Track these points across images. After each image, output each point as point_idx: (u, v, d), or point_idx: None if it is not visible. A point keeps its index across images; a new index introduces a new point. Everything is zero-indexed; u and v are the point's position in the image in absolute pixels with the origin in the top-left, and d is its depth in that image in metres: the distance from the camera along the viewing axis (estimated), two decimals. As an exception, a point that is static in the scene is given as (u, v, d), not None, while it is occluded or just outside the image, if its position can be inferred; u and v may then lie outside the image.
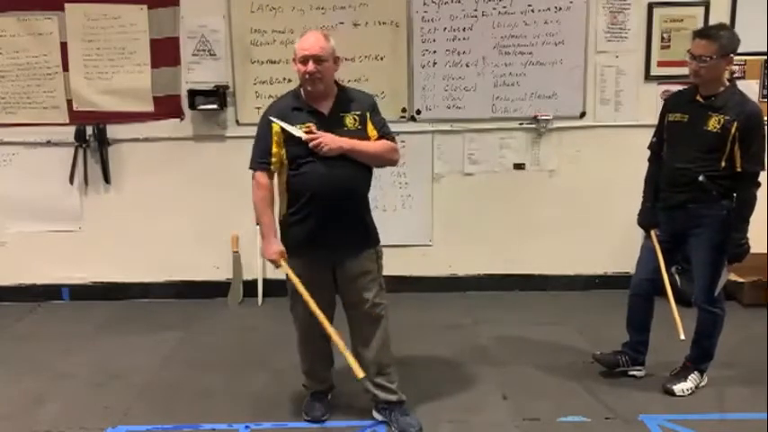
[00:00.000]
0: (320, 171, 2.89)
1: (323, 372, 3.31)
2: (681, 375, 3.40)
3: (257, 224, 2.96)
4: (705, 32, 3.15)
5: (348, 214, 2.97)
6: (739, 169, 3.10)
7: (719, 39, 3.05)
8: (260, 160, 2.98)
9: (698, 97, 3.19)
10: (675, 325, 3.10)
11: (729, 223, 3.17)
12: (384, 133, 3.05)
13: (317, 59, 2.85)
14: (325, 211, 2.93)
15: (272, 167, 2.97)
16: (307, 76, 2.87)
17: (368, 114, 3.01)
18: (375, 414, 3.23)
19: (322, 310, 2.92)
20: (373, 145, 2.99)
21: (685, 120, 3.22)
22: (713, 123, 3.10)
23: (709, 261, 3.24)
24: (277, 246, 2.97)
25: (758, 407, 3.23)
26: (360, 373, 2.80)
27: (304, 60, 2.86)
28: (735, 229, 3.13)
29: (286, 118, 2.91)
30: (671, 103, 3.38)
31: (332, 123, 2.92)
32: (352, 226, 3.01)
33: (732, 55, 3.09)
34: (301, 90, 2.98)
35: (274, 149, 2.94)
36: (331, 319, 3.07)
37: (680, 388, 3.36)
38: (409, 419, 3.13)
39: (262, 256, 3.01)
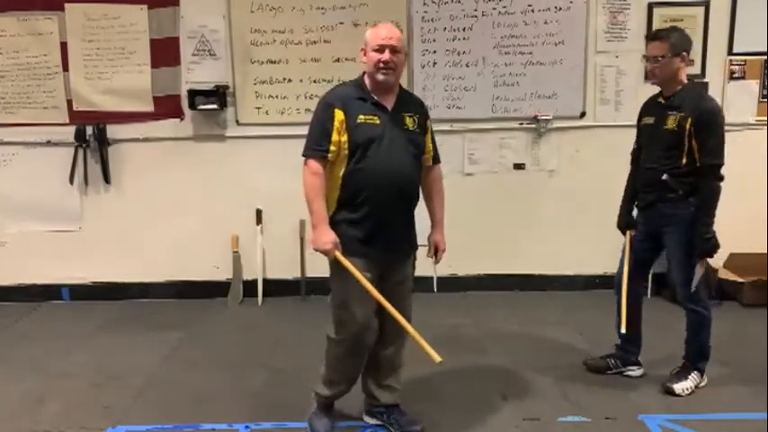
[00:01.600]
0: (382, 166, 2.76)
1: (351, 385, 3.08)
2: (681, 374, 3.41)
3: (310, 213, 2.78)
4: (656, 34, 3.28)
5: (404, 214, 2.89)
6: (698, 164, 3.15)
7: (669, 38, 3.17)
8: (317, 147, 2.76)
9: (660, 99, 3.31)
10: (621, 319, 3.34)
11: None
12: (436, 153, 3.06)
13: (394, 50, 2.75)
14: (385, 209, 2.79)
15: (329, 155, 2.76)
16: (381, 65, 2.74)
17: (426, 121, 2.96)
18: (368, 418, 3.17)
19: (370, 319, 2.85)
20: (442, 202, 3.07)
21: (651, 122, 3.32)
22: (671, 122, 3.19)
23: (682, 259, 3.27)
24: (331, 235, 2.75)
25: (758, 407, 3.23)
26: (438, 357, 2.72)
27: (381, 49, 2.74)
28: (700, 224, 3.16)
29: (349, 106, 2.76)
30: (643, 108, 3.46)
31: (395, 120, 2.82)
32: (407, 228, 2.92)
33: (686, 54, 3.18)
34: (366, 81, 2.83)
35: (334, 137, 2.74)
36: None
37: (680, 387, 3.36)
38: (410, 418, 3.10)
39: (313, 248, 2.78)
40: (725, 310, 4.50)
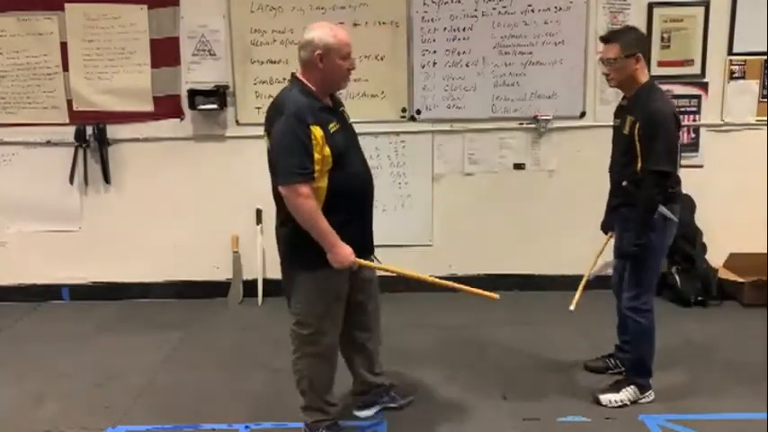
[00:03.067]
0: (357, 167, 2.81)
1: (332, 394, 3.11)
2: (615, 386, 3.31)
3: (314, 232, 2.70)
4: (607, 36, 3.17)
5: (371, 211, 2.95)
6: (641, 168, 3.04)
7: (620, 39, 3.07)
8: (302, 171, 2.60)
9: (622, 102, 3.23)
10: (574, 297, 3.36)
11: (662, 230, 3.11)
12: None
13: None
14: (366, 210, 2.88)
15: (315, 175, 2.65)
16: (349, 74, 2.76)
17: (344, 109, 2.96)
18: (364, 412, 3.24)
19: (351, 314, 2.98)
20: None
21: (617, 124, 3.26)
22: (628, 125, 3.09)
23: (633, 265, 3.18)
24: (348, 247, 2.72)
25: (758, 407, 3.23)
26: (494, 295, 2.96)
27: (350, 55, 2.71)
28: (631, 230, 3.08)
29: (318, 117, 2.65)
30: (616, 108, 3.37)
31: (342, 120, 2.83)
32: (372, 224, 2.98)
33: (639, 54, 3.07)
34: (310, 86, 2.71)
35: (316, 156, 2.62)
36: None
37: (607, 398, 3.26)
38: (403, 388, 3.31)
39: (338, 267, 2.75)
40: (725, 310, 4.51)
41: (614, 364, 3.57)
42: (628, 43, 3.06)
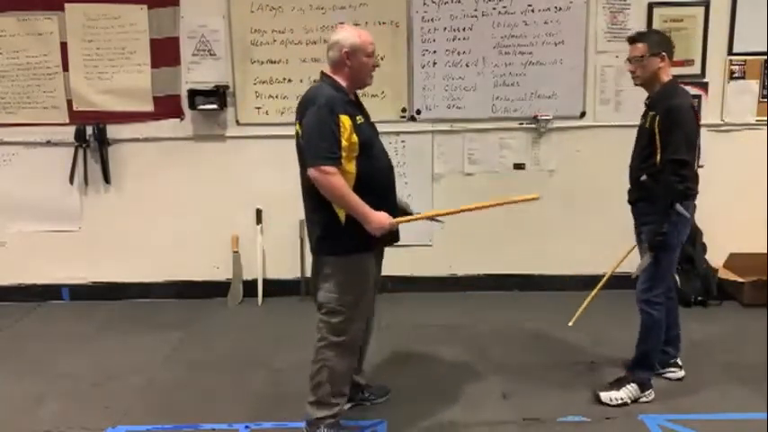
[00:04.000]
0: (383, 160, 2.99)
1: (348, 390, 3.13)
2: (616, 384, 3.32)
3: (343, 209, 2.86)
4: (634, 37, 3.30)
5: (395, 199, 3.09)
6: (660, 159, 3.13)
7: (646, 39, 3.22)
8: (330, 155, 2.75)
9: (646, 100, 3.34)
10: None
11: (677, 226, 3.15)
12: None
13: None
14: (390, 197, 3.01)
15: (342, 160, 2.79)
16: (374, 70, 2.95)
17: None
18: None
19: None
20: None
21: (641, 122, 3.34)
22: (650, 121, 3.21)
23: (648, 259, 3.22)
24: (383, 213, 2.85)
25: (758, 407, 3.23)
26: (535, 195, 3.12)
27: (374, 53, 2.92)
28: (653, 218, 3.14)
29: (347, 109, 2.83)
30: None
31: (365, 115, 2.99)
32: (396, 210, 3.07)
33: (664, 54, 3.19)
34: (340, 82, 2.90)
35: (344, 143, 2.78)
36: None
37: (608, 396, 3.28)
38: (379, 385, 3.41)
39: (378, 234, 2.87)
40: (725, 310, 4.51)
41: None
42: (654, 42, 3.20)
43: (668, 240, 3.14)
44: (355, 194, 2.79)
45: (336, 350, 2.95)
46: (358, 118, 2.86)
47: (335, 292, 2.92)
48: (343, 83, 2.89)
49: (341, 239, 2.87)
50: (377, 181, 2.91)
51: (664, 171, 3.10)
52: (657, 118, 3.13)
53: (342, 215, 2.85)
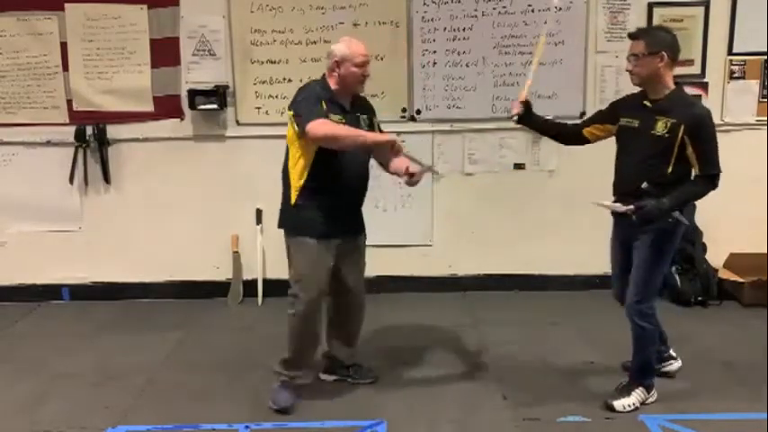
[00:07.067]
0: (346, 159, 3.18)
1: (312, 358, 3.44)
2: (624, 390, 3.29)
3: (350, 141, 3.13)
4: (633, 33, 3.17)
5: (358, 200, 3.34)
6: (698, 173, 3.04)
7: (646, 37, 3.07)
8: (317, 116, 3.05)
9: (646, 102, 3.15)
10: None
11: (675, 235, 3.11)
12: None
13: (368, 63, 3.20)
14: (345, 196, 3.26)
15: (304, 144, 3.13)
16: (362, 79, 3.20)
17: (374, 119, 3.37)
18: (325, 376, 3.58)
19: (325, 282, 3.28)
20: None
21: (635, 125, 3.17)
22: (661, 127, 3.03)
23: (643, 273, 3.14)
24: (385, 134, 3.29)
25: (758, 407, 3.23)
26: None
27: (363, 64, 3.16)
28: (668, 197, 2.99)
29: (326, 104, 3.12)
30: (622, 105, 3.31)
31: (352, 120, 3.21)
32: (359, 211, 3.38)
33: (666, 54, 3.02)
34: (330, 84, 3.20)
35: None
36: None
37: (621, 403, 3.24)
38: (366, 369, 3.58)
39: (390, 143, 3.17)
40: (725, 310, 4.51)
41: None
42: (653, 41, 3.05)
43: (664, 246, 3.10)
44: (348, 127, 3.10)
45: (290, 321, 3.28)
46: (336, 117, 3.11)
47: (289, 267, 3.31)
48: (332, 86, 3.20)
49: (290, 219, 3.25)
50: (331, 181, 3.16)
51: (699, 179, 3.03)
52: (683, 127, 2.97)
53: (293, 196, 3.18)
